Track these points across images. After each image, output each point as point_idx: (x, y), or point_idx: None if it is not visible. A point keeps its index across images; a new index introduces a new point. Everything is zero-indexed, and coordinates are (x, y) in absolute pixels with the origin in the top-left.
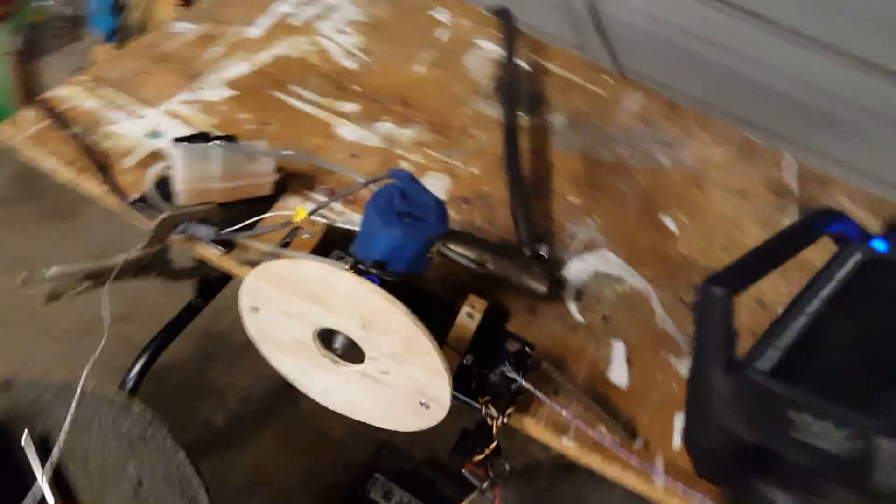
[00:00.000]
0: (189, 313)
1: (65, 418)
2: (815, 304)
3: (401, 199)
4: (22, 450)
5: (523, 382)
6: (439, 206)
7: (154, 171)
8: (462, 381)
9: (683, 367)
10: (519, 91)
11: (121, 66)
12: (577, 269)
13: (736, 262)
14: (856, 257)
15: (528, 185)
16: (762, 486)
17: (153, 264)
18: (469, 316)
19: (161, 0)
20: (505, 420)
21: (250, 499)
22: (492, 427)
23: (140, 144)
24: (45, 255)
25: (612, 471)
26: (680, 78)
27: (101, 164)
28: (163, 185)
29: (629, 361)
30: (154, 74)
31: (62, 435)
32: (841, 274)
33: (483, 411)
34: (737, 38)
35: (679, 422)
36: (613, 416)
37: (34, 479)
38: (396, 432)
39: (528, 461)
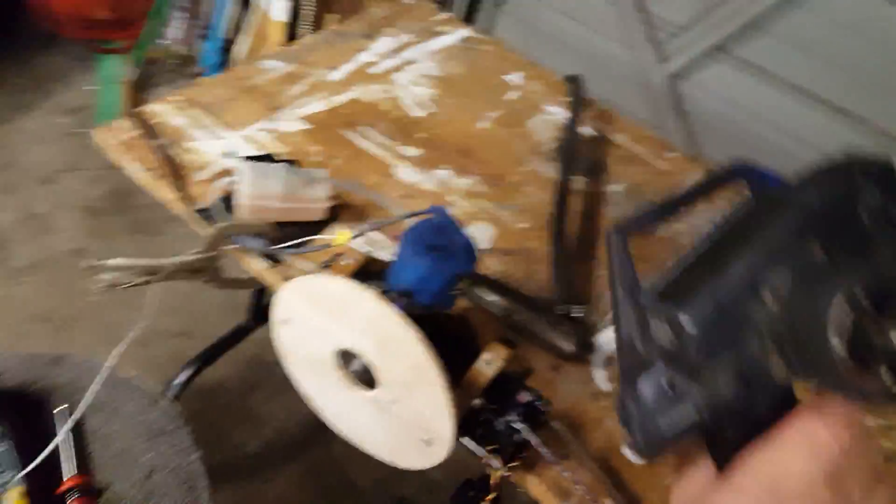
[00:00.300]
0: (238, 334)
1: (101, 397)
2: (708, 238)
3: (434, 234)
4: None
5: (526, 434)
6: (469, 245)
7: (221, 185)
8: (470, 427)
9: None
10: (577, 154)
11: (212, 91)
12: (609, 337)
13: (639, 211)
14: (755, 196)
15: (574, 248)
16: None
17: (205, 269)
18: (487, 363)
19: (267, 43)
20: (506, 473)
21: None
22: (491, 479)
23: (215, 161)
24: None
25: None
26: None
27: (178, 174)
28: (227, 199)
29: None
30: (240, 102)
31: (82, 404)
32: (742, 211)
33: (484, 460)
34: (821, 132)
35: None
36: (622, 492)
37: (62, 447)
38: (417, 489)
39: None
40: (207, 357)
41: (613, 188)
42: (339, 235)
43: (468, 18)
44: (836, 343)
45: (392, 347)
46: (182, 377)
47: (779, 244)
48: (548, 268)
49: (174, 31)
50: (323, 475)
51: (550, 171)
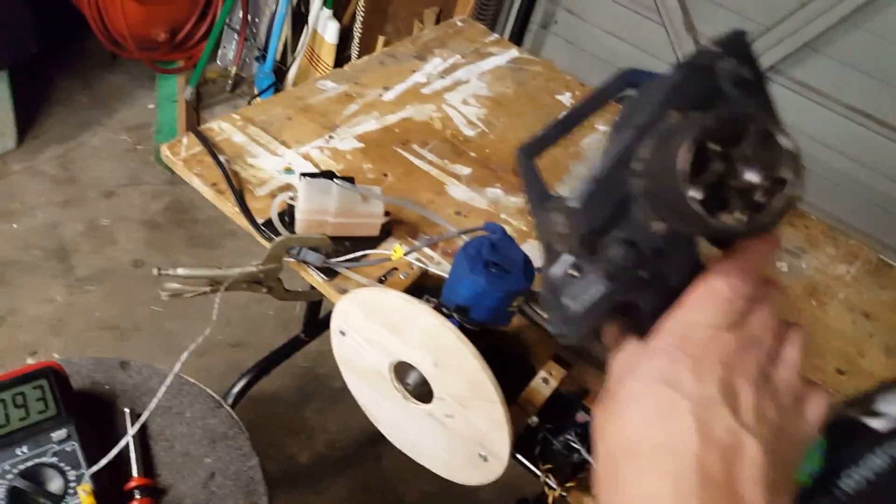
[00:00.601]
0: (293, 346)
1: (164, 402)
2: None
3: (490, 250)
4: (123, 424)
5: (586, 454)
6: (526, 263)
7: (280, 200)
8: (526, 444)
9: None
10: None
11: (270, 110)
12: None
13: (542, 131)
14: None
15: None
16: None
17: (265, 281)
18: (545, 381)
19: (318, 65)
20: (563, 493)
21: None
22: (548, 498)
23: (274, 178)
24: None
25: None
26: (813, 190)
27: (239, 189)
28: (286, 214)
29: None
30: (296, 121)
31: (149, 406)
32: (625, 105)
33: (542, 479)
34: (878, 152)
35: None
36: None
37: (128, 448)
38: None
39: None
40: (263, 368)
41: None
42: (396, 249)
43: (517, 40)
44: (690, 190)
45: (448, 361)
46: (238, 386)
47: (644, 119)
48: None
49: (229, 53)
50: (372, 490)
51: None
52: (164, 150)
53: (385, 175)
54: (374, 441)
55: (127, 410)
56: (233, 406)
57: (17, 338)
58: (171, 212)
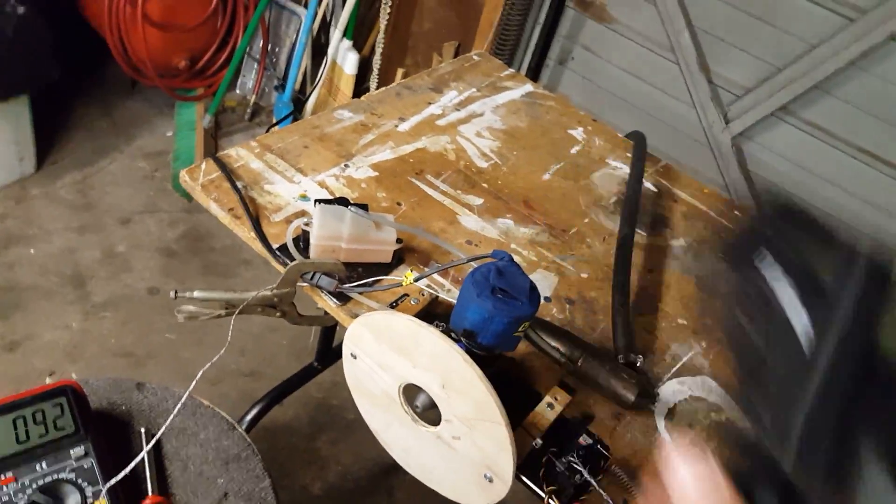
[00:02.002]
0: (307, 375)
1: (178, 423)
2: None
3: (497, 276)
4: (139, 443)
5: (588, 476)
6: (533, 290)
7: (295, 226)
8: (531, 467)
9: None
10: (640, 208)
11: (287, 138)
12: (673, 388)
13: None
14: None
15: (636, 300)
16: None
17: (279, 305)
18: (550, 406)
19: (336, 95)
20: None
21: None
22: None
23: (290, 204)
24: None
25: None
26: None
27: (255, 215)
28: (301, 239)
29: None
30: (312, 149)
31: (164, 426)
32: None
33: (545, 501)
34: (888, 194)
35: None
36: None
37: (143, 467)
38: None
39: None
40: (276, 396)
41: (676, 243)
42: (407, 274)
43: (534, 75)
44: None
45: (455, 384)
46: (252, 413)
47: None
48: (609, 318)
49: (249, 82)
50: None
51: (613, 223)
52: (183, 175)
53: (399, 204)
54: (387, 473)
55: (143, 429)
56: (247, 432)
57: (34, 363)
58: (188, 240)
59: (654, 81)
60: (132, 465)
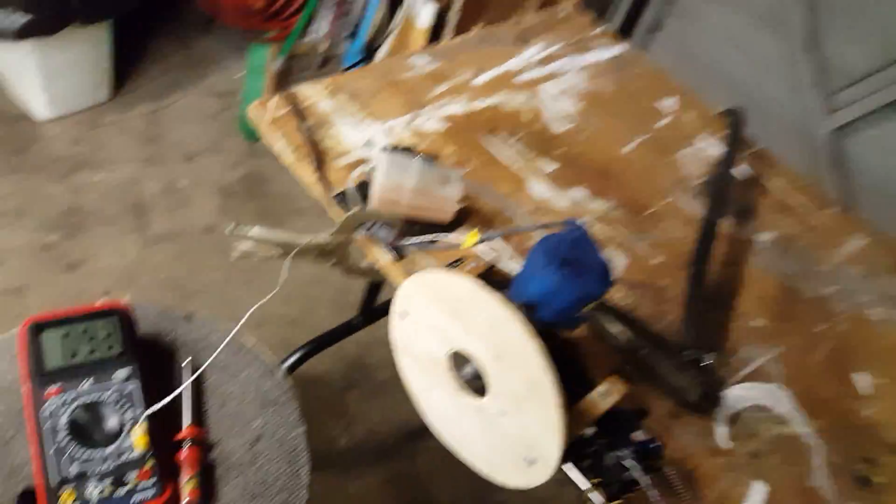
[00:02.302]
0: (347, 329)
1: (221, 360)
2: None
3: (569, 248)
4: (180, 374)
5: (637, 474)
6: (605, 268)
7: (358, 173)
8: (577, 454)
9: None
10: (728, 195)
11: (359, 82)
12: (738, 394)
13: None
14: None
15: (709, 293)
16: None
17: (334, 252)
18: (603, 394)
19: (408, 49)
20: None
21: None
22: None
23: (355, 149)
24: None
25: None
26: None
27: (319, 157)
28: (363, 187)
29: None
30: (385, 95)
31: (208, 361)
32: None
33: (585, 493)
34: None
35: None
36: None
37: (182, 398)
38: None
39: None
40: (315, 346)
41: (761, 237)
42: (470, 235)
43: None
44: None
45: (509, 357)
46: (292, 359)
47: None
48: (680, 309)
49: (322, 29)
50: (405, 484)
51: (695, 207)
52: (252, 110)
53: (465, 161)
54: (413, 437)
55: (188, 360)
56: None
57: (88, 285)
58: (246, 182)
59: (752, 57)
60: (175, 393)
